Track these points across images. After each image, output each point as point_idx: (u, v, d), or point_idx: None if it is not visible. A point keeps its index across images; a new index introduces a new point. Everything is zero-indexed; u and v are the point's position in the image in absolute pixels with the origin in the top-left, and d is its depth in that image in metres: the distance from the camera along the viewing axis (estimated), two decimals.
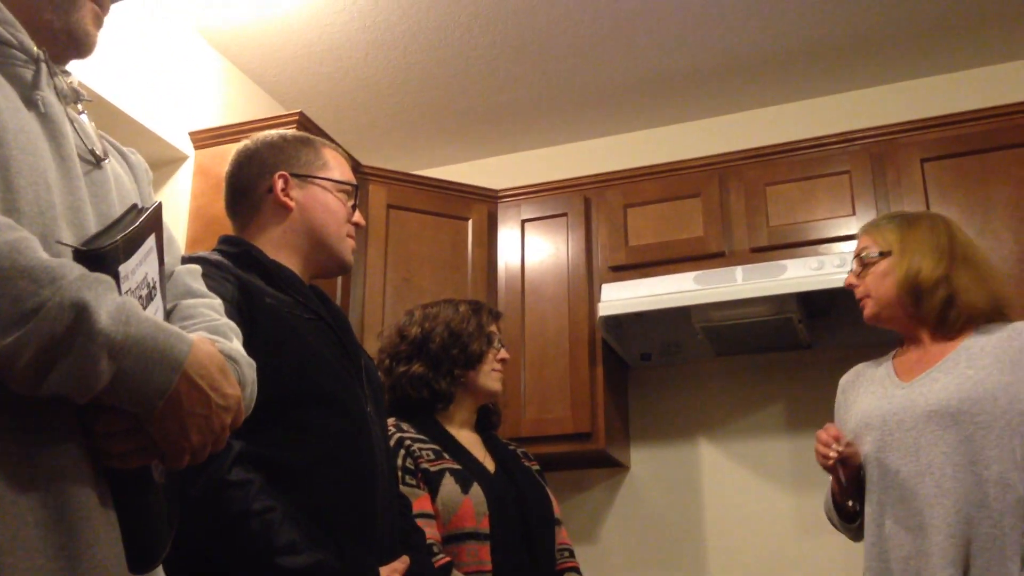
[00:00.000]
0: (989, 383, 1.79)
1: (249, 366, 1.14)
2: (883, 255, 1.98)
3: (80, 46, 1.16)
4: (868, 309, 2.00)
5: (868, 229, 2.07)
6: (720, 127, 3.61)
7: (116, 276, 0.97)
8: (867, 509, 1.90)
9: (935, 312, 1.92)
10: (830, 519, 2.06)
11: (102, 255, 0.97)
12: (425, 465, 2.04)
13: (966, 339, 1.89)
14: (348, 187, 1.75)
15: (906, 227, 2.00)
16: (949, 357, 1.88)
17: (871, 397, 1.96)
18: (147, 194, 1.25)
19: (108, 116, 2.72)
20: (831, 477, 1.95)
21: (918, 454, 1.80)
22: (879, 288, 1.97)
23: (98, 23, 1.18)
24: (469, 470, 2.09)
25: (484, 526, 2.03)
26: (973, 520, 1.72)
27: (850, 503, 1.96)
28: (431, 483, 2.03)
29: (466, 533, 2.01)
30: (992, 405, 1.76)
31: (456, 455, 2.11)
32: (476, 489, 2.05)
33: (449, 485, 2.03)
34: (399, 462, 2.02)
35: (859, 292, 2.02)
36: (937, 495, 1.76)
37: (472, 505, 2.03)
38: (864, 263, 2.01)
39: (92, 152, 1.12)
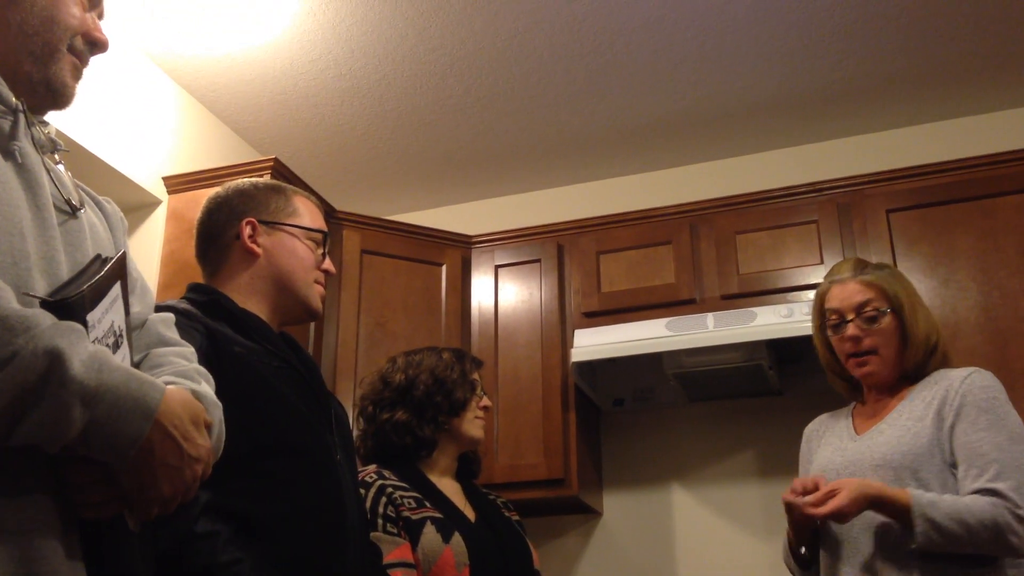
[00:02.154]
0: (925, 437, 1.79)
1: (215, 405, 1.13)
2: (892, 311, 1.91)
3: (58, 97, 1.17)
4: (872, 367, 1.90)
5: (867, 281, 1.94)
6: (691, 176, 3.67)
7: (84, 324, 0.97)
8: (823, 561, 1.89)
9: (921, 371, 1.91)
10: (788, 566, 2.03)
11: (69, 305, 0.97)
12: (407, 513, 2.02)
13: (914, 388, 1.90)
14: (317, 234, 1.75)
15: (903, 282, 1.96)
16: (896, 408, 1.88)
17: (828, 449, 1.95)
18: (121, 243, 1.25)
19: (82, 160, 2.72)
20: (788, 525, 1.93)
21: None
22: (888, 348, 1.90)
23: (77, 75, 1.19)
24: (450, 519, 2.07)
25: None
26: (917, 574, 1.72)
27: (803, 550, 1.93)
28: (412, 531, 2.01)
29: None
30: (929, 461, 1.76)
31: (437, 503, 2.10)
32: (457, 538, 2.03)
33: (430, 534, 2.01)
34: (380, 509, 2.01)
35: (865, 345, 1.90)
36: (883, 548, 1.75)
37: (453, 555, 2.01)
38: (873, 319, 1.90)
39: (68, 202, 1.12)
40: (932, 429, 1.79)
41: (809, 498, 1.75)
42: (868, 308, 1.91)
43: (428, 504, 2.07)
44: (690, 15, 2.90)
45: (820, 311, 2.01)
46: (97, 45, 1.21)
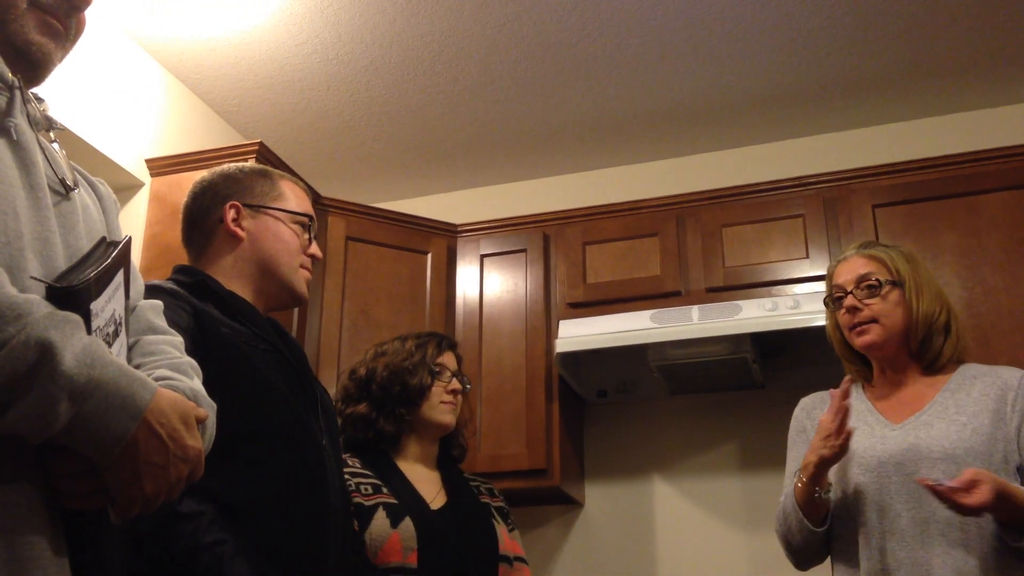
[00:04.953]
0: (983, 434, 1.78)
1: (210, 408, 1.12)
2: (895, 284, 1.93)
3: (25, 58, 1.09)
4: (873, 335, 1.91)
5: (870, 254, 1.99)
6: (679, 168, 3.67)
7: (87, 313, 0.96)
8: (863, 552, 1.82)
9: (935, 353, 1.91)
10: (787, 532, 1.90)
11: (76, 292, 0.95)
12: (359, 499, 2.02)
13: (947, 380, 1.90)
14: (303, 218, 1.74)
15: (912, 261, 1.98)
16: (936, 400, 1.87)
17: (858, 436, 1.88)
18: (114, 226, 1.23)
19: (64, 141, 2.67)
20: (795, 485, 1.84)
21: (920, 501, 1.76)
22: (890, 318, 1.91)
23: (48, 31, 1.11)
24: (404, 504, 2.05)
25: (411, 561, 1.98)
26: (975, 570, 1.70)
27: (822, 493, 1.83)
28: (362, 517, 2.00)
29: (392, 568, 1.96)
30: (989, 459, 1.76)
31: (397, 490, 2.08)
32: (407, 523, 2.01)
33: (380, 519, 2.00)
34: None
35: (864, 316, 1.92)
36: (943, 544, 1.73)
37: (400, 540, 1.99)
38: (875, 288, 1.93)
39: (62, 182, 1.09)
40: (990, 427, 1.79)
41: (956, 483, 1.63)
42: (869, 279, 1.94)
43: (385, 491, 2.07)
44: (679, 7, 2.89)
45: (829, 291, 2.03)
46: None
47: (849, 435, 1.79)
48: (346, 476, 2.03)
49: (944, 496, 1.65)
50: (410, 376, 2.19)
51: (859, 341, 1.94)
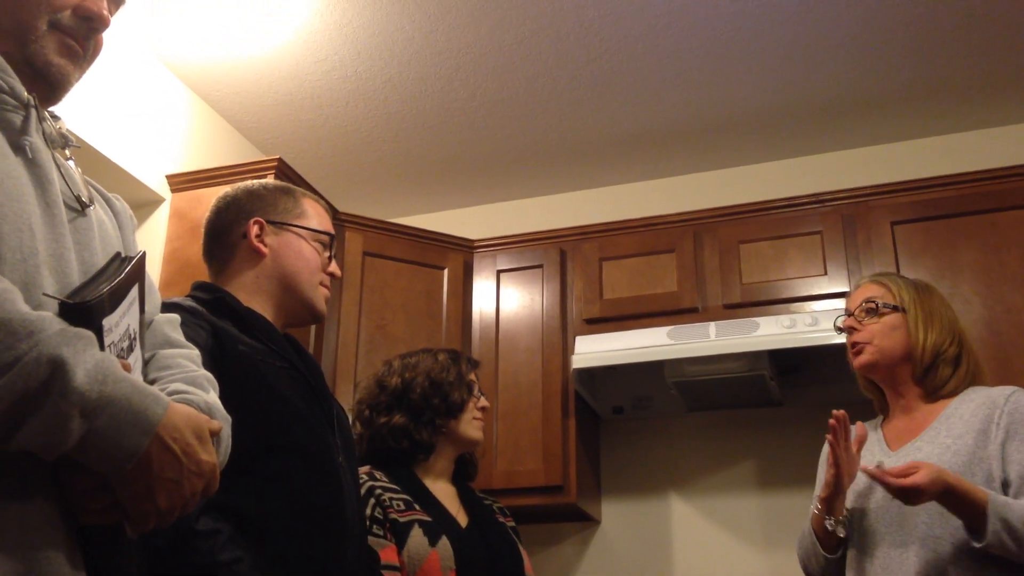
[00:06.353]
0: (965, 454, 1.78)
1: (225, 420, 1.12)
2: (896, 309, 1.96)
3: (44, 79, 1.10)
4: (865, 356, 1.95)
5: (878, 280, 2.04)
6: (695, 184, 3.66)
7: (100, 329, 0.96)
8: (848, 574, 1.88)
9: (940, 383, 1.92)
10: (805, 556, 1.96)
11: (88, 308, 0.96)
12: (394, 515, 2.01)
13: (948, 405, 1.90)
14: (325, 237, 1.76)
15: (922, 292, 2.00)
16: (932, 425, 1.88)
17: (863, 462, 1.91)
18: (131, 242, 1.24)
19: (85, 157, 2.71)
20: (813, 514, 1.91)
21: (902, 524, 1.79)
22: (885, 340, 1.94)
23: (67, 53, 1.12)
24: (439, 523, 2.06)
25: None
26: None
27: (833, 523, 1.86)
28: (399, 534, 2.00)
29: None
30: (971, 479, 1.75)
31: (427, 507, 2.09)
32: (444, 542, 2.02)
33: (417, 537, 2.00)
34: (368, 511, 1.99)
35: (858, 336, 1.97)
36: (918, 567, 1.74)
37: (439, 559, 1.99)
38: (873, 311, 1.97)
39: (78, 198, 1.10)
40: (972, 446, 1.79)
41: (893, 469, 1.68)
42: (870, 302, 1.99)
43: (417, 507, 2.06)
44: (696, 23, 2.90)
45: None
46: (90, 19, 1.12)
47: (839, 468, 1.84)
48: (377, 489, 2.04)
49: (878, 479, 1.67)
50: (451, 389, 2.22)
51: (855, 362, 1.99)
